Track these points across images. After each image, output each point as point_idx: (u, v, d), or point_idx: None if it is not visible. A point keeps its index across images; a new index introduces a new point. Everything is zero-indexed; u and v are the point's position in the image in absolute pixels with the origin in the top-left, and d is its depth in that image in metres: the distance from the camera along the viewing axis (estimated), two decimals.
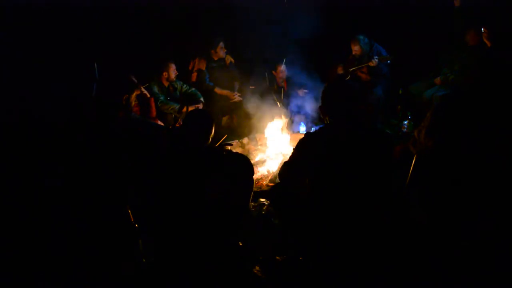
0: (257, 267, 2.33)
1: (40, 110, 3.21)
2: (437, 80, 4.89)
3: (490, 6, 4.49)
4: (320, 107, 2.21)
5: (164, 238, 2.24)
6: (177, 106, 4.65)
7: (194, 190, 2.22)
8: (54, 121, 2.71)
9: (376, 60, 4.90)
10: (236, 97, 5.20)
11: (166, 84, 4.76)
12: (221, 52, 5.16)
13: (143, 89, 3.97)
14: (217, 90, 5.18)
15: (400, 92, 5.26)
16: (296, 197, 2.29)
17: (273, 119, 4.30)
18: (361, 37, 5.04)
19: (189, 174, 2.23)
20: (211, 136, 2.41)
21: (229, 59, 5.33)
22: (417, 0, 5.43)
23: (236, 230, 2.44)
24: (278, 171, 3.55)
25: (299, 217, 2.21)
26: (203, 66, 5.15)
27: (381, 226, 2.08)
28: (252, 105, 4.74)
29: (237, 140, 4.57)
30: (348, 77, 5.24)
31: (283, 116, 4.31)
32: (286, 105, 4.94)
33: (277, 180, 3.50)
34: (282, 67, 5.23)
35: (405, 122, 4.70)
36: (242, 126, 5.01)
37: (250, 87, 4.99)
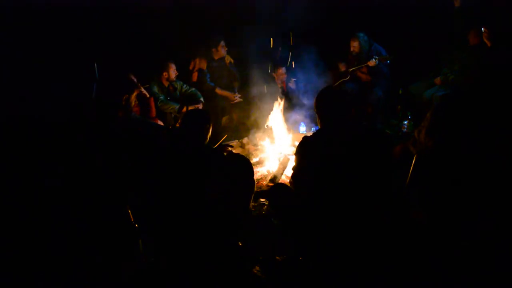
0: (257, 267, 2.33)
1: (40, 110, 3.21)
2: (437, 80, 4.89)
3: (490, 6, 4.50)
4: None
5: (164, 238, 2.24)
6: (177, 106, 4.65)
7: (194, 190, 2.22)
8: (54, 121, 2.71)
9: (376, 60, 4.90)
10: (237, 99, 5.20)
11: (166, 84, 4.76)
12: (222, 50, 5.16)
13: (142, 89, 3.97)
14: (218, 91, 5.18)
15: (400, 92, 5.26)
16: (296, 197, 2.29)
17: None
18: (361, 34, 5.05)
19: (189, 174, 2.23)
20: (208, 136, 2.42)
21: (229, 59, 5.33)
22: (417, 0, 5.43)
23: (236, 230, 2.44)
24: (278, 171, 3.56)
25: (299, 217, 2.21)
26: (203, 66, 5.15)
27: (381, 226, 2.08)
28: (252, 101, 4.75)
29: (237, 140, 4.57)
30: (348, 77, 5.24)
31: (279, 98, 4.32)
32: (286, 105, 4.93)
33: (277, 180, 3.50)
34: (283, 70, 5.23)
35: (405, 122, 4.70)
36: (242, 126, 5.01)
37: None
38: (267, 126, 4.09)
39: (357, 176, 2.06)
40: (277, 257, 2.40)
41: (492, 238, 1.81)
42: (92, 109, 2.47)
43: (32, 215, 2.22)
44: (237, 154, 2.80)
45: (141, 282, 2.19)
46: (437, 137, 1.97)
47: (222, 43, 5.13)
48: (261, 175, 3.71)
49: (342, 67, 5.33)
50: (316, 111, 2.30)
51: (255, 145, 4.44)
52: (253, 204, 3.07)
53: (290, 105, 4.94)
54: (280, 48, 5.14)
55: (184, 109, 4.58)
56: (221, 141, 4.07)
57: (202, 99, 4.86)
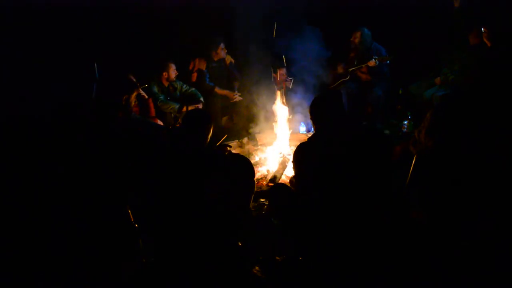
0: (257, 267, 2.33)
1: (40, 110, 3.21)
2: (437, 80, 4.89)
3: (490, 6, 4.49)
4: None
5: (164, 238, 2.24)
6: (177, 106, 4.65)
7: (194, 190, 2.22)
8: (54, 121, 2.71)
9: (376, 60, 4.90)
10: (236, 97, 5.20)
11: (166, 84, 4.76)
12: (222, 53, 5.16)
13: (141, 90, 3.97)
14: (218, 90, 5.18)
15: (400, 92, 5.26)
16: (296, 197, 2.29)
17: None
18: (365, 28, 5.08)
19: (189, 174, 2.23)
20: (209, 136, 2.42)
21: (229, 59, 5.33)
22: (417, 0, 5.43)
23: (236, 230, 2.44)
24: (278, 171, 3.56)
25: (299, 217, 2.21)
26: (203, 66, 5.14)
27: (381, 226, 2.08)
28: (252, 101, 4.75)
29: (237, 140, 4.57)
30: (348, 77, 5.24)
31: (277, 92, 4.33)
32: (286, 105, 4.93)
33: (277, 180, 3.51)
34: (283, 70, 5.23)
35: (405, 122, 4.70)
36: (242, 126, 5.01)
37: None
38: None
39: (356, 177, 2.07)
40: (277, 257, 2.40)
41: (492, 238, 1.82)
42: (92, 109, 2.47)
43: (32, 215, 2.22)
44: (237, 154, 2.80)
45: (141, 282, 2.19)
46: (437, 137, 1.97)
47: (222, 45, 5.13)
48: (261, 175, 3.71)
49: (340, 69, 5.34)
50: (311, 117, 2.35)
51: (255, 145, 4.44)
52: (253, 204, 3.07)
53: (290, 105, 4.94)
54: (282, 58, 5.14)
55: (184, 109, 4.58)
56: (221, 141, 4.06)
57: (202, 99, 4.86)
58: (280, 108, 4.21)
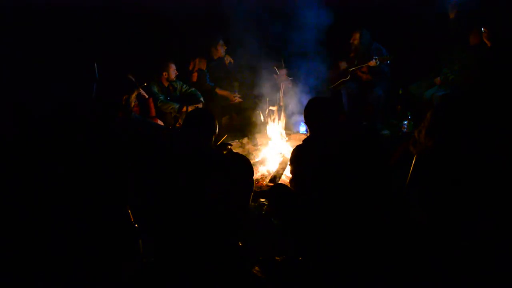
0: (257, 267, 2.33)
1: (40, 110, 3.21)
2: (437, 80, 4.88)
3: (490, 6, 4.50)
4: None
5: (164, 238, 2.24)
6: (176, 106, 4.65)
7: (194, 190, 2.22)
8: (54, 121, 2.71)
9: (376, 60, 4.90)
10: (236, 98, 5.20)
11: (166, 84, 4.76)
12: (221, 50, 5.17)
13: (141, 90, 3.97)
14: (218, 90, 5.18)
15: (400, 92, 5.26)
16: (296, 197, 2.29)
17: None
18: (364, 29, 5.09)
19: (189, 174, 2.23)
20: (214, 136, 2.41)
21: (229, 59, 5.33)
22: (417, 0, 5.44)
23: (236, 230, 2.44)
24: (278, 171, 3.56)
25: (299, 217, 2.22)
26: (203, 66, 5.15)
27: (381, 226, 2.08)
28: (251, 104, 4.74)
29: (237, 140, 4.57)
30: (348, 77, 5.24)
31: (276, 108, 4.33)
32: (286, 105, 4.94)
33: (277, 180, 3.51)
34: (284, 71, 5.23)
35: (405, 122, 4.70)
36: (242, 126, 5.01)
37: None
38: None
39: (355, 177, 2.07)
40: (277, 257, 2.40)
41: (492, 238, 1.82)
42: (92, 109, 2.47)
43: (32, 215, 2.22)
44: (237, 154, 2.79)
45: (141, 282, 2.19)
46: (437, 137, 1.97)
47: (221, 42, 5.14)
48: (261, 175, 3.71)
49: (343, 66, 5.33)
50: (305, 121, 2.38)
51: (255, 145, 4.44)
52: (253, 204, 3.07)
53: (290, 105, 4.94)
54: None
55: (184, 109, 4.58)
56: (221, 141, 4.06)
57: (202, 99, 4.86)
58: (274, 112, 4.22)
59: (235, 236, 2.46)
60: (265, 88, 4.98)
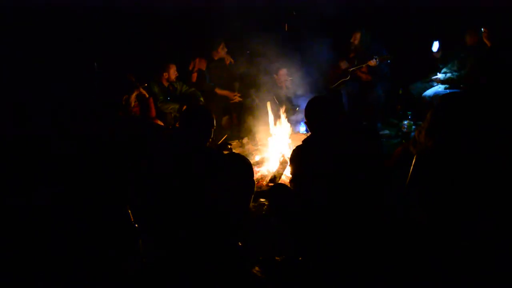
0: (257, 267, 2.33)
1: (40, 110, 3.21)
2: (437, 80, 4.89)
3: (489, 6, 4.50)
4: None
5: (164, 238, 2.24)
6: (177, 106, 4.65)
7: (194, 190, 2.22)
8: (54, 121, 2.71)
9: (376, 60, 4.90)
10: (236, 98, 5.20)
11: (166, 84, 4.76)
12: (222, 52, 5.17)
13: (142, 89, 3.97)
14: (218, 90, 5.18)
15: (400, 92, 5.26)
16: (296, 197, 2.29)
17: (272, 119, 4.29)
18: (364, 30, 5.10)
19: (189, 174, 2.23)
20: (212, 131, 2.39)
21: (229, 59, 5.33)
22: (417, 0, 5.44)
23: (236, 230, 2.44)
24: (278, 171, 3.56)
25: (299, 217, 2.21)
26: (203, 66, 5.15)
27: (381, 226, 2.08)
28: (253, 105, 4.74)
29: (237, 140, 4.57)
30: (348, 77, 5.24)
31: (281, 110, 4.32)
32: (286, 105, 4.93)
33: (277, 180, 3.51)
34: (284, 71, 5.23)
35: (405, 122, 4.70)
36: (242, 126, 5.01)
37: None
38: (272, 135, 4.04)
39: (355, 177, 2.07)
40: (277, 257, 2.40)
41: (492, 238, 1.81)
42: (92, 109, 2.47)
43: (32, 215, 2.22)
44: (237, 154, 2.80)
45: (141, 282, 2.19)
46: (437, 137, 1.97)
47: (223, 45, 5.14)
48: (261, 175, 3.71)
49: (343, 65, 5.32)
50: (306, 120, 2.36)
51: (255, 145, 4.44)
52: (253, 204, 3.07)
53: (290, 105, 4.94)
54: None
55: (184, 109, 4.59)
56: (221, 141, 4.07)
57: (202, 99, 4.86)
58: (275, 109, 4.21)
59: (235, 236, 2.46)
60: (266, 87, 4.99)
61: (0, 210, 2.28)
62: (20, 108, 3.36)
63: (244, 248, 2.46)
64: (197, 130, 2.34)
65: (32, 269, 2.14)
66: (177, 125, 4.41)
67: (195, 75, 5.14)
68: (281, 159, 3.72)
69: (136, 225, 2.25)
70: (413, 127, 4.67)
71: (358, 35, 5.14)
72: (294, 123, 4.70)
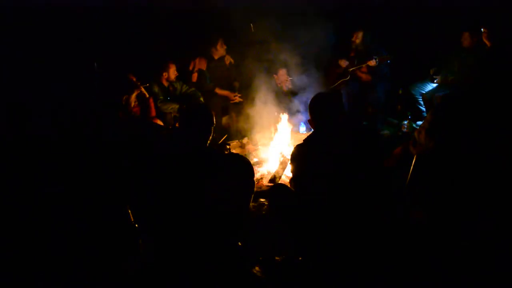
0: (257, 267, 2.33)
1: (40, 110, 3.21)
2: (437, 80, 4.90)
3: (487, 7, 4.50)
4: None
5: (164, 238, 2.24)
6: (176, 106, 4.65)
7: (194, 190, 2.22)
8: (54, 121, 2.71)
9: (376, 60, 4.90)
10: (236, 98, 5.20)
11: (166, 84, 4.76)
12: (221, 49, 5.17)
13: (142, 89, 3.97)
14: (218, 90, 5.18)
15: (400, 92, 5.26)
16: (296, 197, 2.29)
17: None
18: (365, 30, 5.09)
19: (189, 174, 2.23)
20: (212, 129, 2.38)
21: (229, 59, 5.33)
22: (417, 0, 5.44)
23: (236, 230, 2.44)
24: (278, 171, 3.56)
25: (299, 217, 2.21)
26: (203, 66, 5.15)
27: (381, 226, 2.08)
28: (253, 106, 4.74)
29: (237, 140, 4.57)
30: (348, 77, 5.24)
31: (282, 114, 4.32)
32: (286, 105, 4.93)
33: (277, 180, 3.51)
34: (283, 71, 5.23)
35: (405, 122, 4.70)
36: (242, 126, 5.01)
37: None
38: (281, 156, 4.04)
39: (355, 176, 2.06)
40: (277, 257, 2.40)
41: (492, 238, 1.81)
42: (92, 109, 2.48)
43: (32, 215, 2.22)
44: (237, 154, 2.79)
45: (141, 282, 2.19)
46: (437, 137, 1.97)
47: (221, 41, 5.14)
48: (261, 175, 3.71)
49: (343, 64, 5.31)
50: (310, 116, 2.34)
51: (255, 145, 4.44)
52: (253, 204, 3.07)
53: (290, 105, 4.94)
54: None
55: None
56: (221, 141, 4.07)
57: (202, 99, 4.86)
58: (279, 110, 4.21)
59: (235, 236, 2.46)
60: (266, 87, 4.99)
61: (0, 210, 2.28)
62: (20, 108, 3.36)
63: (244, 248, 2.46)
64: (197, 129, 2.33)
65: (32, 269, 2.14)
66: (177, 125, 4.42)
67: (195, 75, 5.14)
68: (281, 159, 3.72)
69: (136, 225, 2.25)
70: (414, 126, 4.68)
71: (360, 34, 5.12)
72: (294, 123, 4.70)
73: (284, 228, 2.38)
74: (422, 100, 5.07)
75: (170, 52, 5.11)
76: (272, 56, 5.09)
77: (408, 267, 1.99)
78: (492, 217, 1.82)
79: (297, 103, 4.93)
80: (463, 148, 1.88)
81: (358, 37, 5.13)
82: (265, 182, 3.56)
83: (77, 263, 2.14)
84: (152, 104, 4.21)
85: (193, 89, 4.95)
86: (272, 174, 3.61)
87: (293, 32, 4.84)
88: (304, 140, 2.29)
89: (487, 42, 4.03)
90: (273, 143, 4.20)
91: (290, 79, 5.21)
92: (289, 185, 2.64)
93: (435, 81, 4.94)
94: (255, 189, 2.62)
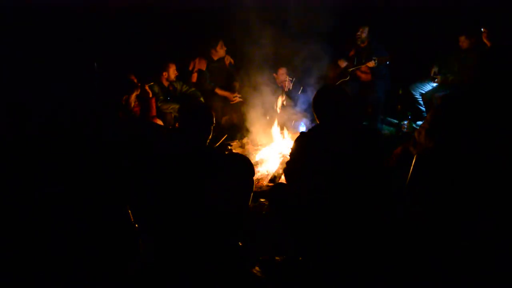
0: (257, 267, 2.33)
1: (40, 110, 3.21)
2: (438, 80, 4.90)
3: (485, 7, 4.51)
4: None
5: (164, 238, 2.24)
6: (177, 106, 4.65)
7: (194, 190, 2.22)
8: (54, 121, 2.71)
9: (375, 61, 4.90)
10: (236, 99, 5.20)
11: (166, 84, 4.76)
12: (221, 51, 5.16)
13: (147, 88, 3.97)
14: (218, 90, 5.18)
15: (400, 92, 5.26)
16: (296, 197, 2.29)
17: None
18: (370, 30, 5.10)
19: (189, 174, 2.23)
20: (212, 128, 2.38)
21: (229, 59, 5.33)
22: (417, 0, 5.44)
23: (236, 230, 2.44)
24: (278, 171, 3.56)
25: (299, 217, 2.21)
26: (203, 66, 5.15)
27: (381, 226, 2.08)
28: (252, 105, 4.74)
29: (237, 140, 4.57)
30: (348, 77, 5.24)
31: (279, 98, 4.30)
32: (287, 105, 4.93)
33: (277, 180, 3.51)
34: (283, 70, 5.23)
35: (405, 122, 4.70)
36: (242, 126, 5.01)
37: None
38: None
39: (356, 175, 2.06)
40: (277, 257, 2.40)
41: (492, 238, 1.82)
42: (92, 109, 2.48)
43: (32, 215, 2.22)
44: (237, 154, 2.79)
45: (141, 282, 2.19)
46: (437, 137, 1.97)
47: (221, 43, 5.13)
48: (261, 175, 3.71)
49: (342, 64, 5.30)
50: (313, 110, 2.30)
51: (255, 145, 4.44)
52: (253, 204, 3.07)
53: (290, 105, 4.94)
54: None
55: None
56: (221, 141, 4.06)
57: (202, 99, 4.86)
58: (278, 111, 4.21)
59: (235, 236, 2.46)
60: (266, 87, 4.98)
61: (0, 210, 2.28)
62: (20, 108, 3.36)
63: (244, 248, 2.46)
64: (197, 129, 2.33)
65: (32, 269, 2.14)
66: (177, 125, 4.42)
67: (195, 75, 5.14)
68: (281, 159, 3.72)
69: (136, 225, 2.25)
70: (414, 126, 4.68)
71: (366, 29, 5.06)
72: (294, 123, 4.70)
73: (284, 228, 2.38)
74: (422, 100, 5.07)
75: (170, 52, 5.11)
76: (272, 56, 5.09)
77: (408, 267, 1.99)
78: (492, 217, 1.82)
79: (297, 103, 4.93)
80: (463, 148, 1.88)
81: (364, 32, 5.09)
82: (265, 182, 3.56)
83: (77, 263, 2.14)
84: (154, 104, 4.21)
85: (193, 89, 4.95)
86: (272, 174, 3.61)
87: (293, 32, 4.83)
88: (309, 130, 2.28)
89: (487, 42, 4.04)
90: (273, 143, 4.20)
91: (290, 79, 5.21)
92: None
93: (435, 81, 4.94)
94: (255, 189, 2.62)
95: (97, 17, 4.75)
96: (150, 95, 4.08)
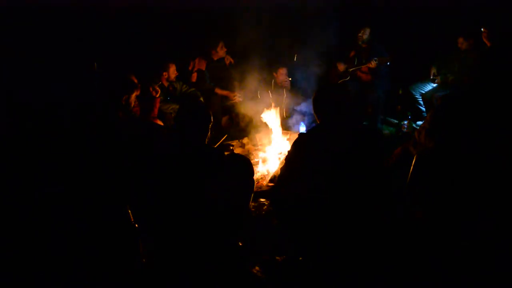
0: (257, 267, 2.33)
1: (40, 110, 3.22)
2: (437, 80, 4.90)
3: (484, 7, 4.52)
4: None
5: (164, 238, 2.24)
6: (177, 106, 4.64)
7: (194, 190, 2.22)
8: (54, 121, 2.71)
9: (376, 62, 4.89)
10: (236, 98, 5.20)
11: (166, 84, 4.76)
12: (221, 52, 5.16)
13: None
14: (218, 90, 5.18)
15: (400, 92, 5.26)
16: (296, 197, 2.29)
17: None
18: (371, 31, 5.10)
19: (189, 174, 2.23)
20: (210, 126, 2.38)
21: (229, 59, 5.33)
22: (417, 0, 5.44)
23: (236, 230, 2.44)
24: (278, 171, 3.56)
25: (299, 217, 2.21)
26: (203, 66, 5.15)
27: (381, 226, 2.08)
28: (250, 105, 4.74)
29: (237, 140, 4.57)
30: (348, 77, 5.24)
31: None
32: (287, 104, 4.93)
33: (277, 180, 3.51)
34: (283, 70, 5.22)
35: (405, 122, 4.70)
36: (242, 126, 5.01)
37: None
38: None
39: (356, 175, 2.06)
40: (277, 257, 2.40)
41: (492, 238, 1.82)
42: (92, 109, 2.48)
43: (32, 215, 2.22)
44: (237, 154, 2.80)
45: (141, 282, 2.19)
46: (438, 137, 1.97)
47: (221, 44, 5.13)
48: (261, 175, 3.71)
49: (341, 67, 5.32)
50: (314, 109, 2.29)
51: (255, 145, 4.44)
52: (253, 204, 3.07)
53: (290, 104, 4.94)
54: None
55: None
56: (221, 141, 4.06)
57: (202, 99, 4.86)
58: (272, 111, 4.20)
59: (235, 236, 2.46)
60: (266, 87, 4.98)
61: (0, 210, 2.28)
62: (20, 108, 3.36)
63: (244, 248, 2.46)
64: (195, 129, 2.34)
65: (32, 269, 2.14)
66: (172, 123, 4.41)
67: (195, 75, 5.14)
68: (282, 159, 3.72)
69: (136, 225, 2.25)
70: (414, 126, 4.68)
71: (368, 30, 5.08)
72: (294, 123, 4.70)
73: (284, 228, 2.38)
74: (422, 100, 5.07)
75: (170, 52, 5.11)
76: (273, 55, 5.09)
77: (408, 267, 1.99)
78: (492, 217, 1.82)
79: (297, 103, 4.93)
80: (463, 148, 1.88)
81: (365, 33, 5.09)
82: (265, 182, 3.56)
83: (77, 263, 2.14)
84: (157, 104, 4.21)
85: (193, 89, 4.94)
86: (272, 174, 3.61)
87: (293, 32, 4.84)
88: (309, 130, 2.28)
89: (487, 42, 4.03)
90: (273, 143, 4.20)
91: (290, 79, 5.21)
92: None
93: (435, 81, 4.94)
94: (255, 189, 2.62)
95: (97, 17, 4.75)
96: (158, 95, 4.08)
